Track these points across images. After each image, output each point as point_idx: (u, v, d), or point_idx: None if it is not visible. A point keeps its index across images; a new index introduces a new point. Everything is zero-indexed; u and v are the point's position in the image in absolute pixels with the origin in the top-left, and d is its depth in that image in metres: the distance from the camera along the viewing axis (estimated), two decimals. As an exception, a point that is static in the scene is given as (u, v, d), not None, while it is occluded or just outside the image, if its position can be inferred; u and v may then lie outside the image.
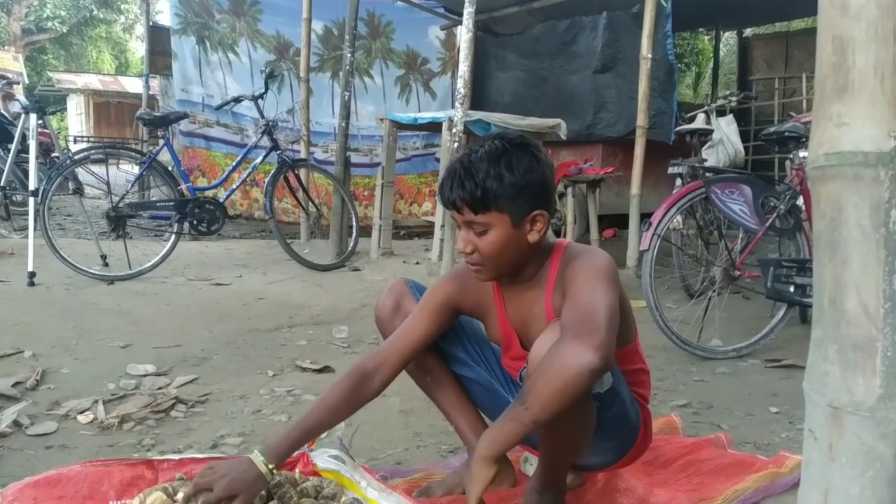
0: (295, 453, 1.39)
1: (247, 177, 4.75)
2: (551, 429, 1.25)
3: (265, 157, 4.58)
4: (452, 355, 1.52)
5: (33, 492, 1.30)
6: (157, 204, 4.33)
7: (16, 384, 2.21)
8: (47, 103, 12.92)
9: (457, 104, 4.01)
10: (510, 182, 1.24)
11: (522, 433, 1.17)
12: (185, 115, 4.97)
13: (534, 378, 1.15)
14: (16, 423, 1.91)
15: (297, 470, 1.47)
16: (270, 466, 1.27)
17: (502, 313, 1.41)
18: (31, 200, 3.82)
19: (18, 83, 10.40)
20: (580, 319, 1.16)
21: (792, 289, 2.78)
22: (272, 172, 4.57)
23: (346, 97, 5.00)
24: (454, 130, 3.94)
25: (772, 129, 3.13)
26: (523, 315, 1.39)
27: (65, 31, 23.11)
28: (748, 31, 9.68)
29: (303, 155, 5.62)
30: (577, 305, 1.20)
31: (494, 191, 1.24)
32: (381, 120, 5.05)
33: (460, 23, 4.63)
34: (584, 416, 1.25)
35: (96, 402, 2.09)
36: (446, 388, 1.55)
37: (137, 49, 23.83)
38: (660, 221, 2.79)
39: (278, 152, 4.52)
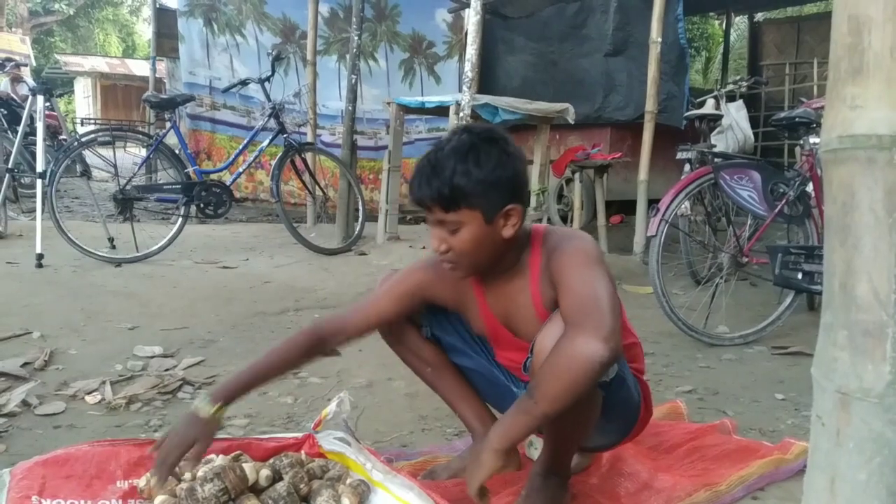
0: (241, 397, 1.39)
1: (253, 160, 4.74)
2: (557, 417, 1.25)
3: (272, 140, 4.58)
4: (451, 345, 1.51)
5: (42, 470, 1.31)
6: (164, 187, 4.34)
7: (24, 365, 2.23)
8: (55, 86, 12.88)
9: (464, 88, 3.98)
10: (479, 178, 1.20)
11: (533, 426, 1.18)
12: (191, 98, 4.97)
13: (542, 372, 1.14)
14: (25, 403, 1.93)
15: (302, 451, 1.48)
16: (217, 406, 1.31)
17: (484, 306, 1.38)
18: (39, 182, 3.83)
19: (26, 65, 10.41)
20: (584, 310, 1.14)
21: (800, 276, 2.76)
22: (279, 156, 4.56)
23: (354, 80, 4.97)
24: (462, 114, 3.92)
25: (782, 115, 3.10)
26: (507, 307, 1.36)
27: (72, 13, 23.07)
28: (759, 16, 9.57)
29: (309, 138, 5.61)
30: (577, 296, 1.18)
31: (463, 188, 1.20)
32: (388, 104, 5.02)
33: (468, 5, 4.59)
34: (590, 404, 1.24)
35: (104, 382, 2.10)
36: (447, 377, 1.54)
37: (144, 32, 23.79)
38: (667, 207, 2.78)
39: (285, 135, 4.51)
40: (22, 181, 5.85)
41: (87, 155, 4.46)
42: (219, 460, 1.36)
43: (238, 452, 1.42)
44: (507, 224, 1.25)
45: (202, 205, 4.26)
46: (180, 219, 4.17)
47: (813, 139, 2.92)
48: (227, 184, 4.42)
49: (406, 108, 4.84)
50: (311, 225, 5.50)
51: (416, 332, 1.49)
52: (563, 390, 1.11)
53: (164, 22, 6.98)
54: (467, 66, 3.97)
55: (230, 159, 4.81)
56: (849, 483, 0.80)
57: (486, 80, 6.27)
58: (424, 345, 1.50)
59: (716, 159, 3.06)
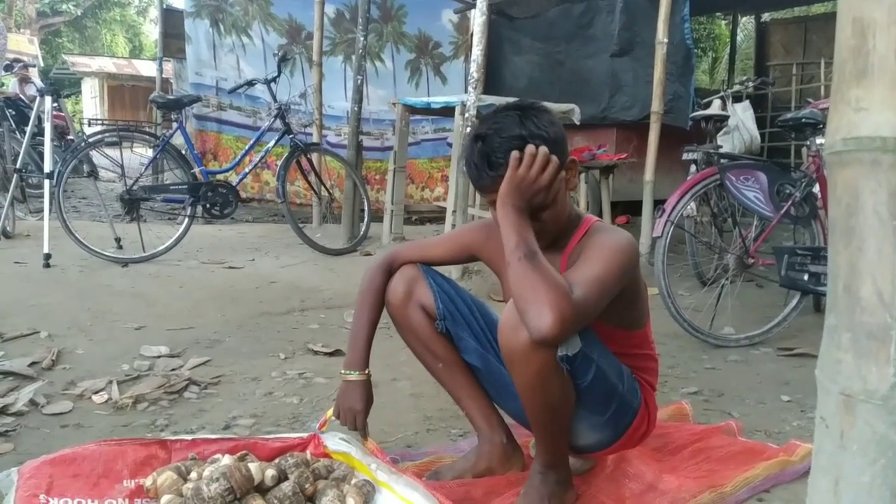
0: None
1: (259, 160, 4.76)
2: (528, 401, 1.27)
3: (278, 140, 4.59)
4: (462, 340, 1.52)
5: (49, 469, 1.32)
6: (171, 187, 4.35)
7: (32, 364, 2.24)
8: (62, 86, 12.95)
9: (470, 88, 3.98)
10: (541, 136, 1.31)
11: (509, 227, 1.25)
12: (198, 99, 4.98)
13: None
14: (32, 403, 1.94)
15: (308, 451, 1.49)
16: (367, 372, 1.51)
17: None
18: (47, 183, 3.85)
19: (34, 66, 10.44)
20: (572, 278, 1.20)
21: (806, 277, 2.75)
22: (285, 156, 4.58)
23: (359, 81, 4.99)
24: (467, 115, 3.92)
25: (788, 116, 3.09)
26: None
27: (79, 14, 23.20)
28: (766, 16, 9.54)
29: (315, 139, 5.63)
30: (575, 269, 1.23)
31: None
32: (394, 104, 5.03)
33: (474, 6, 4.59)
34: (556, 381, 1.23)
35: (111, 382, 2.12)
36: (457, 374, 1.55)
37: (151, 32, 23.88)
38: (673, 208, 2.77)
39: (291, 136, 4.52)
40: (30, 181, 5.88)
41: (95, 155, 4.48)
42: (225, 460, 1.37)
43: (244, 452, 1.43)
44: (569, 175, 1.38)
45: (208, 205, 4.27)
46: (186, 219, 4.18)
47: (819, 140, 2.91)
48: (234, 184, 4.44)
49: (412, 109, 4.85)
50: (317, 225, 5.52)
51: (430, 325, 1.51)
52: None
53: (171, 23, 7.01)
54: (473, 67, 3.97)
55: (236, 160, 4.82)
56: (852, 485, 0.80)
57: (493, 81, 6.27)
58: (437, 339, 1.52)
59: (722, 160, 3.05)
